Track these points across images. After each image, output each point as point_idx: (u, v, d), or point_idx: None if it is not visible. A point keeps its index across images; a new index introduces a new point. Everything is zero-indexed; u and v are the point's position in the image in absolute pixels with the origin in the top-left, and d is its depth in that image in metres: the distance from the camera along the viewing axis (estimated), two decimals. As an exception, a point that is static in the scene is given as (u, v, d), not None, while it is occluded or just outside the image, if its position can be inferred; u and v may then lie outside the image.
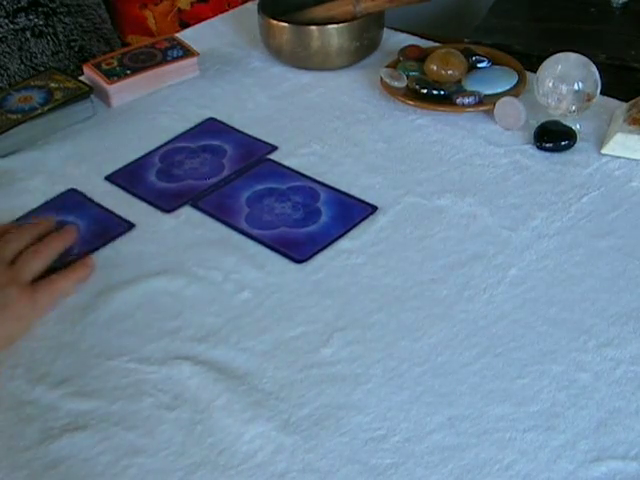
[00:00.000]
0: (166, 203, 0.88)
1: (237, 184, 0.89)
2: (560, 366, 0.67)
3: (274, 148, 0.95)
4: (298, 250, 0.80)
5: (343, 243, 0.81)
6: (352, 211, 0.84)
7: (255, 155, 0.94)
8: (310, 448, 0.62)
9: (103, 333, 0.73)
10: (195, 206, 0.87)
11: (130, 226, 0.85)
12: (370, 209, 0.84)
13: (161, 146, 0.96)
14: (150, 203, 0.88)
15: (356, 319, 0.73)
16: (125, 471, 0.62)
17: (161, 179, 0.91)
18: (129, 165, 0.94)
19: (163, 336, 0.72)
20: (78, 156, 0.96)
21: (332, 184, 0.89)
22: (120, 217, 0.86)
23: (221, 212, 0.86)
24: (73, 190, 0.90)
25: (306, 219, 0.83)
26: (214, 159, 0.93)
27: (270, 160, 0.93)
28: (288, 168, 0.91)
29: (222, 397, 0.66)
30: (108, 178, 0.92)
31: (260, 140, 0.96)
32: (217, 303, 0.76)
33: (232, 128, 0.99)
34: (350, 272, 0.78)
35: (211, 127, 1.00)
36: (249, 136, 0.97)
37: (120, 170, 0.93)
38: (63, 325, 0.74)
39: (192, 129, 0.99)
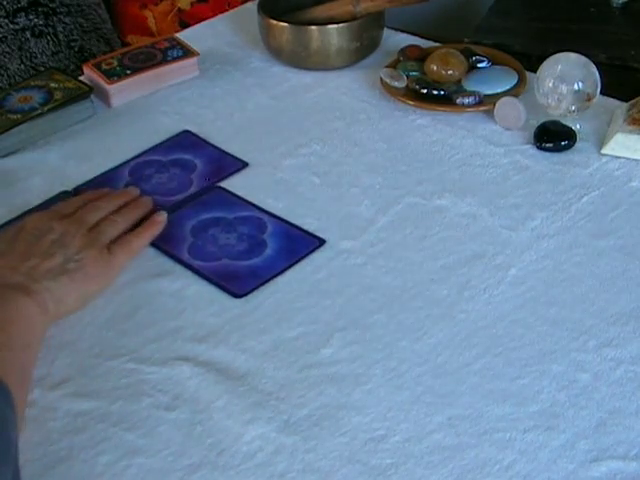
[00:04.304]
0: None
1: (183, 212, 0.86)
2: (560, 366, 0.67)
3: (245, 164, 0.92)
4: (238, 284, 0.77)
5: (343, 243, 0.81)
6: (298, 244, 0.81)
7: (226, 171, 0.92)
8: (310, 448, 0.62)
9: (103, 333, 0.73)
10: None
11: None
12: (317, 242, 0.81)
13: (132, 159, 0.94)
14: None
15: (356, 319, 0.73)
16: (124, 471, 0.62)
17: None
18: (98, 177, 0.92)
19: (163, 336, 0.72)
20: (78, 156, 0.96)
21: (332, 184, 0.89)
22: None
23: (164, 241, 0.82)
24: (65, 192, 0.89)
25: (250, 251, 0.80)
26: (183, 174, 0.91)
27: (220, 188, 0.89)
28: (237, 197, 0.88)
29: (222, 398, 0.66)
30: (76, 190, 0.90)
31: (232, 156, 0.94)
32: (217, 303, 0.76)
33: (206, 142, 0.96)
34: (350, 272, 0.78)
35: (185, 140, 0.97)
36: (222, 151, 0.95)
37: (89, 182, 0.91)
38: (62, 325, 0.74)
39: (165, 142, 0.97)
